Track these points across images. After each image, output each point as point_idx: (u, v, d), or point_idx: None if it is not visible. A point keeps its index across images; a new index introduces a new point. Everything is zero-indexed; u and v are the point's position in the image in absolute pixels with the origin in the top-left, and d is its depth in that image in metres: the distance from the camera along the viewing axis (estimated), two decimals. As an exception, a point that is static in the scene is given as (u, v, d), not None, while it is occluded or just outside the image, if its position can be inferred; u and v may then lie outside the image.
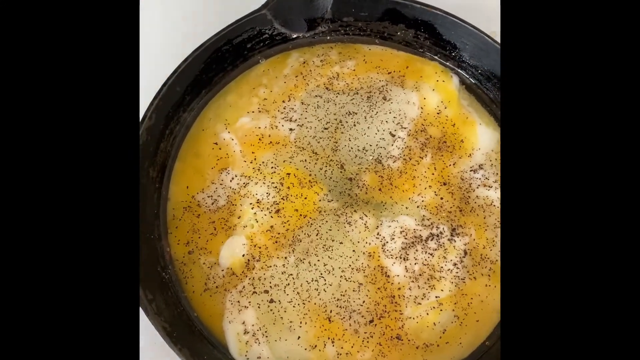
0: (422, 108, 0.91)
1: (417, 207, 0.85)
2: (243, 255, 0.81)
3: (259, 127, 0.90)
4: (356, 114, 0.90)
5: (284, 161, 0.87)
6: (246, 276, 0.80)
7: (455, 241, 0.82)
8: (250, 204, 0.84)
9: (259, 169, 0.87)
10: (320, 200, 0.84)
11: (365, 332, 0.77)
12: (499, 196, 0.86)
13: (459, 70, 0.96)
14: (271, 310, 0.78)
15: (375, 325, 0.78)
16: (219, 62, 0.93)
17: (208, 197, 0.85)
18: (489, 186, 0.87)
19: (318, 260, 0.80)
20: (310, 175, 0.86)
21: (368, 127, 0.89)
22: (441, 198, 0.86)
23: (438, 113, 0.92)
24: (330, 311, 0.78)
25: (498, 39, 0.90)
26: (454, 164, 0.88)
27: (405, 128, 0.89)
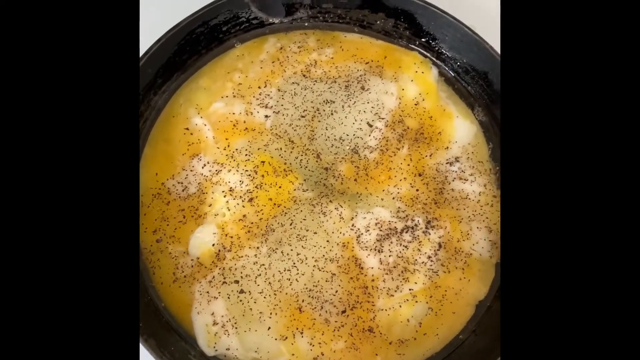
0: (400, 99, 0.90)
1: (393, 198, 0.84)
2: (213, 245, 0.78)
3: (233, 113, 0.88)
4: (334, 102, 0.89)
5: (258, 149, 0.85)
6: (216, 266, 0.78)
7: (429, 234, 0.82)
8: (223, 192, 0.81)
9: (232, 156, 0.84)
10: (295, 190, 0.82)
11: (336, 322, 0.76)
12: (475, 189, 0.86)
13: (437, 61, 0.95)
14: (241, 301, 0.76)
15: (348, 315, 0.77)
16: (193, 44, 0.89)
17: (178, 183, 0.83)
18: (465, 179, 0.87)
19: (291, 250, 0.78)
20: (285, 163, 0.84)
21: (345, 117, 0.87)
22: (417, 190, 0.85)
23: (416, 104, 0.91)
24: (302, 301, 0.76)
25: (477, 32, 0.90)
26: (430, 156, 0.87)
27: (382, 119, 0.88)
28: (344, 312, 0.77)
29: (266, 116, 0.88)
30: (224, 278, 0.77)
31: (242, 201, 0.80)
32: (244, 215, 0.80)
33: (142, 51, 0.82)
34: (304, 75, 0.92)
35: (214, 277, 0.77)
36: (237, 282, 0.77)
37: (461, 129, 0.90)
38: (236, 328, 0.75)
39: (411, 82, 0.91)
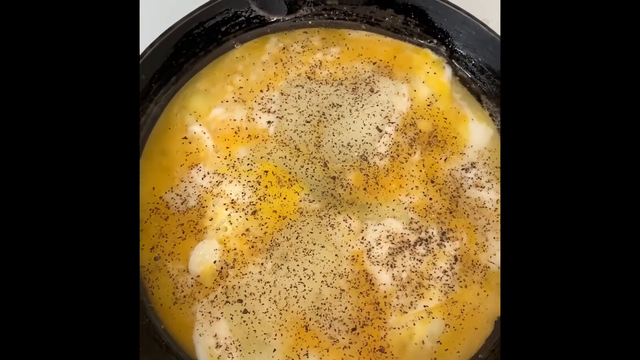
0: (411, 100, 0.85)
1: (405, 208, 0.79)
2: (215, 262, 0.74)
3: (234, 119, 0.83)
4: (340, 106, 0.83)
5: (261, 157, 0.80)
6: (218, 284, 0.73)
7: (445, 246, 0.77)
8: (224, 204, 0.76)
9: (233, 166, 0.79)
10: (300, 201, 0.77)
11: (345, 340, 0.71)
12: (492, 197, 0.81)
13: (451, 60, 0.90)
14: (245, 321, 0.71)
15: (358, 334, 0.72)
16: (190, 46, 0.84)
17: (177, 196, 0.78)
18: (482, 186, 0.81)
19: (297, 265, 0.74)
20: (290, 173, 0.79)
21: (353, 121, 0.82)
22: (430, 199, 0.80)
23: (429, 105, 0.85)
24: (309, 319, 0.72)
25: (491, 26, 0.84)
26: (444, 160, 0.82)
27: (393, 123, 0.83)
28: (354, 329, 0.72)
29: (269, 122, 0.83)
30: (227, 297, 0.73)
31: (245, 214, 0.76)
32: (247, 229, 0.75)
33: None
34: (308, 77, 0.87)
35: (216, 296, 0.73)
36: (240, 301, 0.72)
37: (477, 133, 0.85)
38: (240, 350, 0.70)
39: (423, 83, 0.86)
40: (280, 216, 0.76)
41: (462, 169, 0.82)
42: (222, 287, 0.73)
